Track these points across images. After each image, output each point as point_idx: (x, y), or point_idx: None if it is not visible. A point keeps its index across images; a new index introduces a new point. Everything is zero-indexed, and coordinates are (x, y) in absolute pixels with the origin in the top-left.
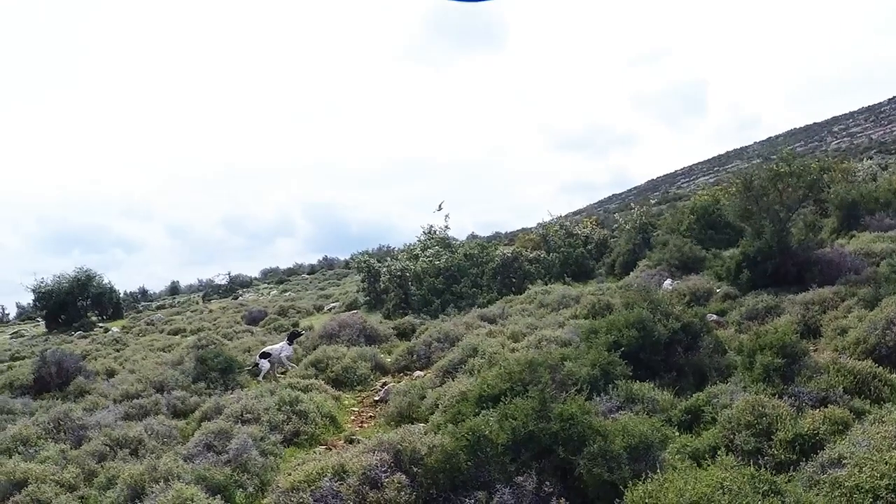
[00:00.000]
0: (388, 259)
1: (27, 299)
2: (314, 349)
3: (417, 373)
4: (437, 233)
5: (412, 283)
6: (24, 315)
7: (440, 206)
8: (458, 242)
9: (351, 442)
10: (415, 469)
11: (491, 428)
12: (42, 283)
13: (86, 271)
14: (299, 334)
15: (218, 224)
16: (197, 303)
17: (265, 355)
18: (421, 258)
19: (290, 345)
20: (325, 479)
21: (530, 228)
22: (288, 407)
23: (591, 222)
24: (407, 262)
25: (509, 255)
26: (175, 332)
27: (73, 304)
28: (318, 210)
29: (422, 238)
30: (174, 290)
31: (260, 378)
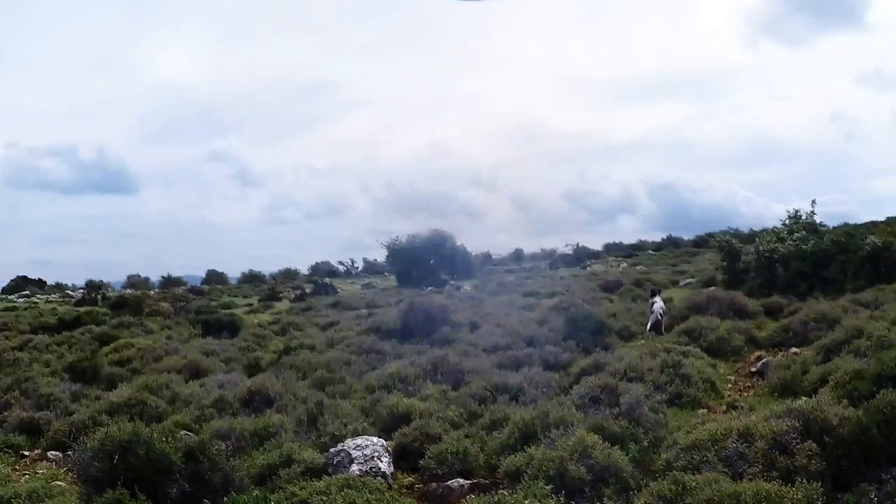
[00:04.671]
0: (757, 240)
1: (375, 255)
2: (684, 319)
3: (794, 349)
4: (804, 218)
5: (778, 265)
6: (372, 269)
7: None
8: (825, 228)
9: (733, 409)
10: (826, 438)
11: None
12: (396, 240)
13: (440, 232)
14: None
15: (562, 197)
16: (545, 269)
17: (659, 315)
18: (787, 241)
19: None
20: (730, 440)
21: (879, 222)
22: (671, 369)
23: None
24: (775, 244)
25: (880, 243)
26: (529, 294)
27: (425, 261)
28: (662, 190)
29: (787, 222)
30: (517, 256)
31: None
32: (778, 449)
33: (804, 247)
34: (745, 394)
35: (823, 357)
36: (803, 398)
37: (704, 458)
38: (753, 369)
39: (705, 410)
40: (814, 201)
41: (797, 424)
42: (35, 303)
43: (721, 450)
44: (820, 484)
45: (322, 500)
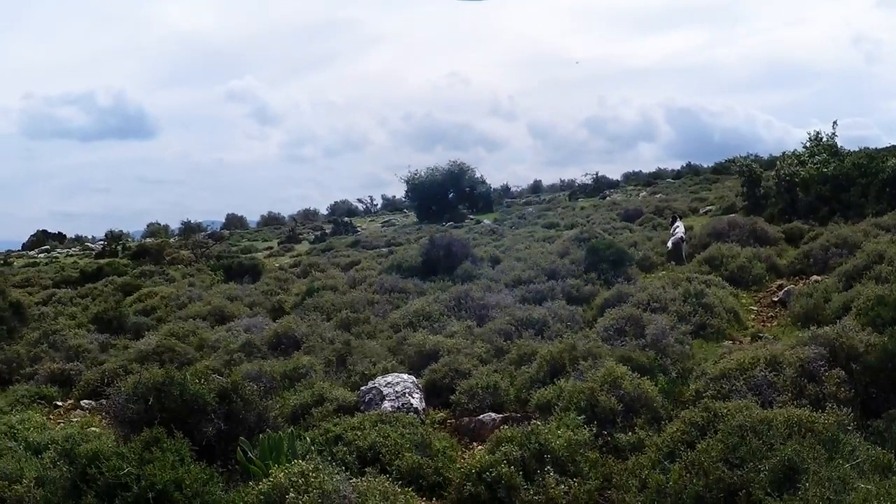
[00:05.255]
0: (778, 163)
1: (393, 191)
2: (705, 247)
3: (815, 277)
4: (825, 140)
5: (799, 189)
6: (391, 206)
7: None
8: (845, 151)
9: (758, 339)
10: (853, 365)
11: None
12: (415, 175)
13: (459, 165)
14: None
15: (581, 125)
16: (565, 200)
17: (680, 240)
18: (808, 164)
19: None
20: (759, 369)
21: None
22: (694, 299)
23: None
24: (796, 167)
25: None
26: (549, 226)
27: (444, 196)
28: (682, 116)
29: (808, 144)
30: (536, 188)
31: (685, 243)
32: (806, 377)
33: (825, 170)
34: (769, 324)
35: (845, 284)
36: (827, 326)
37: (734, 387)
38: (775, 298)
39: (730, 342)
40: (835, 123)
41: (824, 352)
42: (56, 257)
43: (750, 378)
44: (850, 410)
45: (356, 434)
